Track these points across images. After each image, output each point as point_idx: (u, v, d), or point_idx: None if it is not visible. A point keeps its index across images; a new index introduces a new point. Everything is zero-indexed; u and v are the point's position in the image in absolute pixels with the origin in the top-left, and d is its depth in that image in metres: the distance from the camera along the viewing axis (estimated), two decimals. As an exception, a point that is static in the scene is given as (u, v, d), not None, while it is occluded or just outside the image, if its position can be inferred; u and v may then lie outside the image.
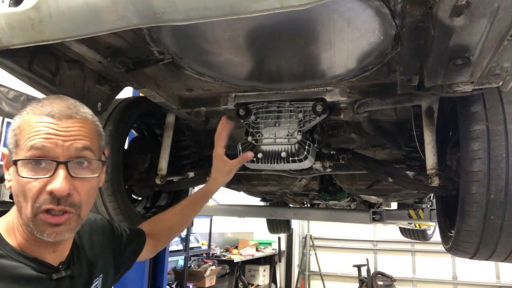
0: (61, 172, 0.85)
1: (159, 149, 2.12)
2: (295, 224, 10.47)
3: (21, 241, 0.91)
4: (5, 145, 0.95)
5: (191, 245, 6.80)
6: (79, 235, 1.07)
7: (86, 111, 0.95)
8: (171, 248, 6.01)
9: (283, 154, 1.70)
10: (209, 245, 7.82)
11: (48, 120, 0.87)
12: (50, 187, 0.84)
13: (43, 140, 0.85)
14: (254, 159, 1.73)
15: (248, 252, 8.91)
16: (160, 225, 1.46)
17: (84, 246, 1.08)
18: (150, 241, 1.38)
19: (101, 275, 1.11)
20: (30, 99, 3.64)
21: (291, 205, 4.44)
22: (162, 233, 1.46)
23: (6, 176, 0.93)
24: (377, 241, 10.25)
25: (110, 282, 1.17)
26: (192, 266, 7.28)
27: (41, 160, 0.85)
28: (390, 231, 9.27)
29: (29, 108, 0.91)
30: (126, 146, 2.11)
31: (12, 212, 0.94)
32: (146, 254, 1.37)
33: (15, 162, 0.86)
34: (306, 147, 1.68)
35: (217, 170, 1.52)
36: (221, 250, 8.80)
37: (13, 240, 0.91)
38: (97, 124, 0.98)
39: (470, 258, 1.62)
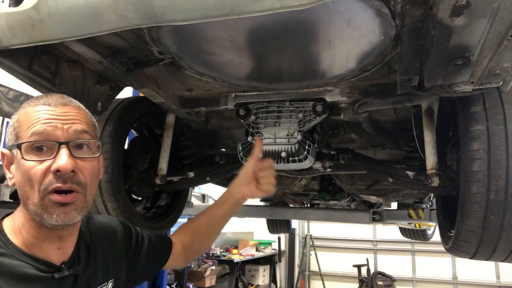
0: (64, 151, 0.89)
1: (159, 149, 2.12)
2: (295, 224, 10.47)
3: (27, 239, 0.92)
4: (5, 145, 0.96)
5: (191, 245, 6.79)
6: (91, 235, 1.07)
7: (78, 102, 1.00)
8: (171, 248, 6.00)
9: (283, 154, 1.70)
10: (209, 245, 7.82)
11: (46, 108, 0.92)
12: (55, 166, 0.88)
13: (43, 125, 0.90)
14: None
15: (248, 252, 8.91)
16: (190, 233, 1.38)
17: (96, 247, 1.07)
18: (178, 248, 1.31)
19: (113, 279, 1.08)
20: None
21: (291, 205, 4.44)
22: (194, 241, 1.38)
23: (8, 175, 0.95)
24: (377, 241, 10.25)
25: None
26: (192, 266, 7.28)
27: (43, 142, 0.89)
28: (390, 231, 9.27)
29: (24, 104, 0.95)
30: (126, 146, 2.11)
31: (17, 213, 0.95)
32: (176, 263, 1.33)
33: (19, 146, 0.89)
34: (306, 147, 1.68)
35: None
36: (221, 250, 8.79)
37: (18, 239, 0.91)
38: (90, 114, 1.02)
39: (470, 258, 1.62)
